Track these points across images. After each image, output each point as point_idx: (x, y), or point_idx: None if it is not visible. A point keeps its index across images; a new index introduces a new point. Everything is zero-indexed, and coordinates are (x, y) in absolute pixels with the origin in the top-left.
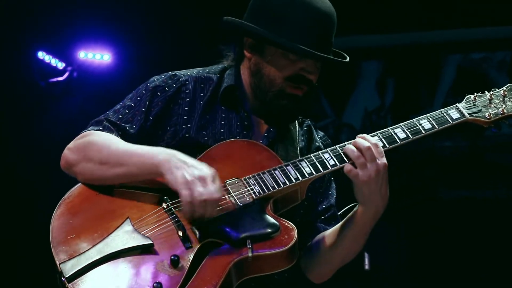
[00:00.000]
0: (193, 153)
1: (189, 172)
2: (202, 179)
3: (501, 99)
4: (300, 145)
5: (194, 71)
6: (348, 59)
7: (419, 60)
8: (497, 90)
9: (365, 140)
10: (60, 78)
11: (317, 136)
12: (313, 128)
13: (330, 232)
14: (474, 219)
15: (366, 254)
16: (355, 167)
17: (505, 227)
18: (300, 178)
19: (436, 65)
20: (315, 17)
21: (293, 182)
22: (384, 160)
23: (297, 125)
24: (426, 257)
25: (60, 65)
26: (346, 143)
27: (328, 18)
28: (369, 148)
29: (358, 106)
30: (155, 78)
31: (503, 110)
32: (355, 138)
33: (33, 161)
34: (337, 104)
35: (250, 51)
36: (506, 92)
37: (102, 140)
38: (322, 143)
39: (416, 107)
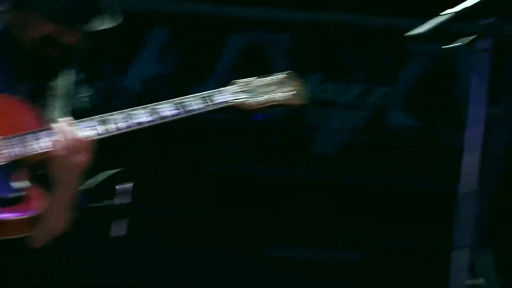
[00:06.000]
0: None
1: None
2: None
3: (276, 86)
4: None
5: None
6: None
7: (204, 33)
8: (276, 76)
9: (71, 133)
10: None
11: (78, 95)
12: (79, 85)
13: None
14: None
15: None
16: None
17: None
18: None
19: (219, 41)
20: None
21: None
22: (85, 157)
23: (73, 78)
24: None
25: None
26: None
27: None
28: (73, 141)
29: (138, 72)
30: None
31: (272, 98)
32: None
33: None
34: (116, 68)
35: (10, 2)
36: (284, 79)
37: None
38: (78, 105)
39: (196, 79)
